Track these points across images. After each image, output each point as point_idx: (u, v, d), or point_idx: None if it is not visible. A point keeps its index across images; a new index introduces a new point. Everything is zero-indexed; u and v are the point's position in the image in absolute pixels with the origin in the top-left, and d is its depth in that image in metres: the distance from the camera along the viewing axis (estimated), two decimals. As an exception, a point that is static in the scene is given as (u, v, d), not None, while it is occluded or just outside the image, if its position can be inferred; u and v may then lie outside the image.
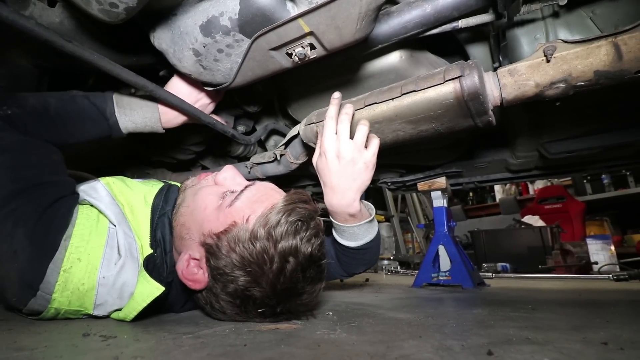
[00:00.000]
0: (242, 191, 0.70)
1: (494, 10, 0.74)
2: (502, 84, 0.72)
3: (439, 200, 1.65)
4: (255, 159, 1.36)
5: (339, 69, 1.05)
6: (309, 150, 1.15)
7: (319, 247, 0.68)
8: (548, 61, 0.66)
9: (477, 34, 0.88)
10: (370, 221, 0.89)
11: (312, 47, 0.70)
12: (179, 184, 0.86)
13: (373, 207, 0.92)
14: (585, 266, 2.57)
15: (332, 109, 0.82)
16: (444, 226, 1.63)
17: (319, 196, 2.06)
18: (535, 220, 3.66)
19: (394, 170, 1.67)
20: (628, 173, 4.31)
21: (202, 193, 0.72)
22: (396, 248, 4.89)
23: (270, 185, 0.75)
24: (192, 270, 0.66)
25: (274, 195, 0.70)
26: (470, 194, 5.76)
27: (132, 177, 0.87)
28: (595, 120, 1.03)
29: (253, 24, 0.64)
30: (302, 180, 1.87)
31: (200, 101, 0.95)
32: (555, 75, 0.66)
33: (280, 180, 1.76)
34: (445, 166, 1.59)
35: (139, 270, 0.66)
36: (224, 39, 0.69)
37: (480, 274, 2.02)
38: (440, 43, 1.00)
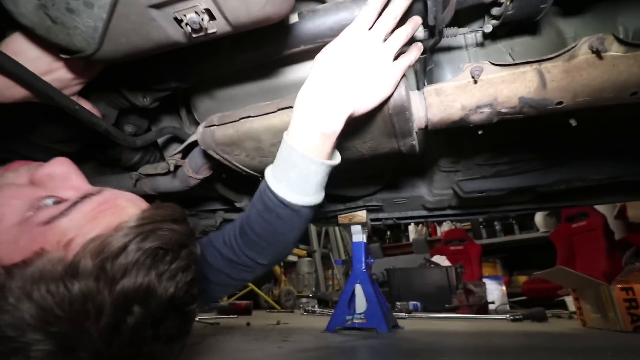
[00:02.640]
0: (76, 202, 0.45)
1: (424, 26, 0.69)
2: (429, 103, 0.65)
3: (358, 235, 1.58)
4: (144, 169, 1.10)
5: (259, 72, 0.90)
6: (213, 162, 0.95)
7: (188, 286, 0.47)
8: (475, 82, 0.61)
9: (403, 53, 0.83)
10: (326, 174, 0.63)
11: (211, 15, 0.54)
12: None
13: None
14: (484, 305, 2.74)
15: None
16: (362, 263, 1.54)
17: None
18: (442, 260, 3.90)
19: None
20: (514, 221, 5.01)
21: (1, 194, 0.46)
22: (316, 285, 4.73)
23: (126, 195, 0.51)
24: None
25: (126, 209, 0.47)
26: (388, 232, 6.04)
27: None
28: (505, 162, 1.05)
29: (121, -39, 0.45)
30: (209, 203, 1.61)
31: (55, 73, 0.69)
32: (481, 98, 0.61)
33: (181, 203, 1.48)
34: (366, 199, 1.53)
35: None
36: (78, -23, 0.48)
37: (394, 313, 1.98)
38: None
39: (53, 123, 0.94)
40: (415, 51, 0.63)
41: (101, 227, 0.43)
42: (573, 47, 0.57)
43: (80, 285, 0.39)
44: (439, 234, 5.71)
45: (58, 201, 0.46)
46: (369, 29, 0.58)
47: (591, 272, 3.60)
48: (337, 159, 0.64)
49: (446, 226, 5.52)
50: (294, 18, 0.70)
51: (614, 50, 0.56)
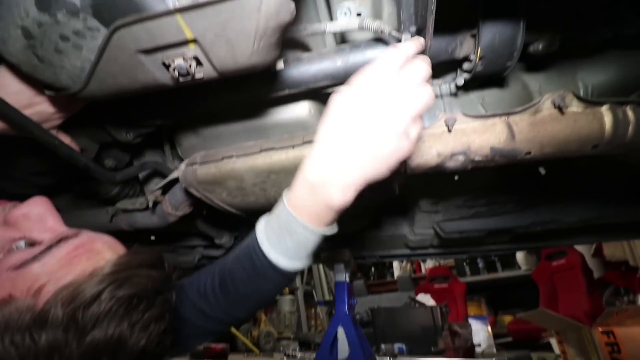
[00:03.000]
0: (51, 246, 0.43)
1: (401, 77, 0.74)
2: (407, 149, 0.68)
3: (341, 275, 1.55)
4: (122, 204, 1.07)
5: (245, 111, 0.92)
6: (193, 199, 0.93)
7: (160, 338, 0.44)
8: (449, 131, 0.64)
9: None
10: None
11: (198, 62, 0.56)
12: None
13: None
14: (470, 348, 2.67)
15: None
16: (344, 304, 1.50)
17: (210, 260, 1.75)
18: (427, 299, 3.84)
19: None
20: (496, 259, 5.05)
21: None
22: (298, 325, 4.52)
23: (104, 238, 0.49)
24: None
25: (102, 254, 0.45)
26: (372, 269, 5.95)
27: None
28: (482, 204, 1.09)
29: (114, 11, 0.48)
30: (188, 239, 1.56)
31: (35, 107, 0.68)
32: (455, 147, 0.64)
33: (159, 238, 1.43)
34: (349, 237, 1.52)
35: None
36: (69, 22, 0.50)
37: (379, 357, 1.90)
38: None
39: (29, 155, 0.92)
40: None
41: (75, 273, 0.41)
42: (537, 103, 0.62)
43: (47, 336, 0.36)
44: (423, 270, 5.67)
45: (31, 243, 0.44)
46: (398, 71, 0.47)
47: (573, 311, 3.61)
48: (335, 228, 0.58)
49: (430, 263, 5.50)
50: (280, 65, 0.73)
51: (575, 106, 0.61)
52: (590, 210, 1.15)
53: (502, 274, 5.02)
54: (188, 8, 0.45)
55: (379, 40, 0.72)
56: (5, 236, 0.44)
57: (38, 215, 0.48)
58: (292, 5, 0.48)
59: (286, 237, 0.56)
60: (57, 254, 0.43)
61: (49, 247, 0.43)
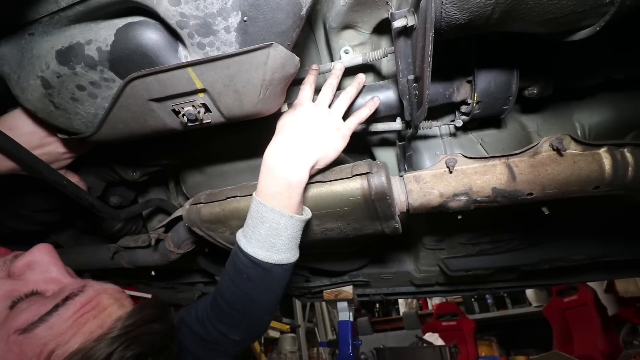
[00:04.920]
0: (57, 305, 0.42)
1: (401, 119, 0.76)
2: (409, 189, 0.68)
3: (344, 313, 1.50)
4: (124, 241, 1.07)
5: (249, 150, 0.95)
6: (196, 237, 0.93)
7: None
8: (450, 172, 0.65)
9: (385, 140, 0.90)
10: (299, 229, 0.63)
11: (207, 109, 0.58)
12: None
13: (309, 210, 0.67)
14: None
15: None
16: (348, 345, 1.43)
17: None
18: (435, 339, 3.66)
19: (297, 273, 1.49)
20: (505, 295, 4.87)
21: None
22: (299, 366, 4.29)
23: (109, 291, 0.48)
24: None
25: (110, 310, 0.45)
26: (377, 305, 5.74)
27: None
28: (487, 241, 1.07)
29: (129, 63, 0.51)
30: (189, 275, 1.54)
31: (46, 148, 0.70)
32: (457, 187, 0.65)
33: (159, 274, 1.41)
34: (353, 274, 1.49)
35: None
36: (87, 74, 0.53)
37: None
38: (349, 143, 1.01)
39: (36, 193, 0.93)
40: (366, 109, 0.68)
41: (83, 335, 0.41)
42: (536, 145, 0.63)
43: None
44: (430, 307, 5.46)
45: (35, 293, 0.44)
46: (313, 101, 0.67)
47: (589, 351, 3.41)
48: (307, 214, 0.65)
49: (437, 299, 5.30)
50: (284, 107, 0.76)
51: (573, 148, 0.62)
52: (597, 247, 1.12)
53: (512, 310, 4.82)
54: (199, 62, 0.48)
55: (377, 84, 0.75)
56: (10, 291, 0.44)
57: (42, 265, 0.48)
58: (297, 59, 0.51)
59: (258, 226, 0.60)
60: (64, 315, 0.42)
61: (56, 307, 0.42)
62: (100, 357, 0.40)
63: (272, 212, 0.59)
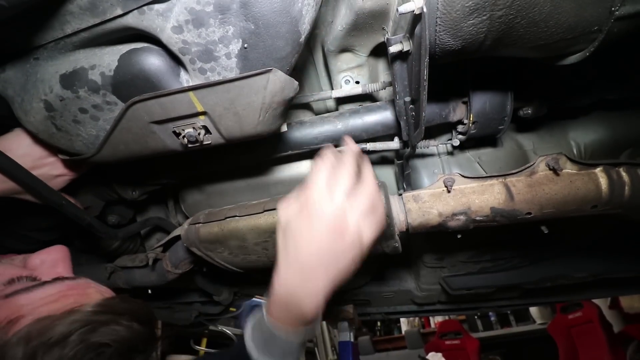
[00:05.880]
0: (45, 282, 0.45)
1: (399, 139, 0.77)
2: (408, 209, 0.69)
3: (345, 334, 1.47)
4: (121, 261, 1.06)
5: (248, 170, 0.95)
6: (194, 257, 0.92)
7: None
8: (449, 191, 0.65)
9: (384, 158, 0.91)
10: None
11: (207, 130, 0.59)
12: None
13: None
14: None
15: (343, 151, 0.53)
16: (349, 367, 1.39)
17: (207, 318, 1.66)
18: (438, 359, 3.56)
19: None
20: (509, 311, 4.78)
21: None
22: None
23: (100, 287, 0.49)
24: None
25: (92, 296, 0.45)
26: (379, 323, 5.62)
27: None
28: (488, 259, 1.06)
29: (131, 87, 0.52)
30: (186, 294, 1.51)
31: (44, 168, 0.71)
32: (455, 207, 0.65)
33: (155, 293, 1.39)
34: (353, 293, 1.47)
35: None
36: (90, 97, 0.54)
37: None
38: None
39: (33, 212, 0.93)
40: None
41: (55, 308, 0.41)
42: (533, 164, 0.63)
43: None
44: (432, 325, 5.35)
45: (33, 279, 0.46)
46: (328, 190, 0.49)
47: (597, 371, 3.31)
48: (317, 325, 0.57)
49: (440, 317, 5.20)
50: (284, 128, 0.77)
51: (569, 168, 0.63)
52: (600, 264, 1.11)
53: (516, 328, 4.72)
54: (201, 87, 0.49)
55: (375, 104, 0.77)
56: (14, 274, 0.46)
57: (52, 261, 0.51)
58: (296, 83, 0.53)
59: (271, 346, 0.55)
60: (48, 290, 0.43)
61: (43, 283, 0.44)
62: (58, 332, 0.38)
63: (285, 343, 0.54)
